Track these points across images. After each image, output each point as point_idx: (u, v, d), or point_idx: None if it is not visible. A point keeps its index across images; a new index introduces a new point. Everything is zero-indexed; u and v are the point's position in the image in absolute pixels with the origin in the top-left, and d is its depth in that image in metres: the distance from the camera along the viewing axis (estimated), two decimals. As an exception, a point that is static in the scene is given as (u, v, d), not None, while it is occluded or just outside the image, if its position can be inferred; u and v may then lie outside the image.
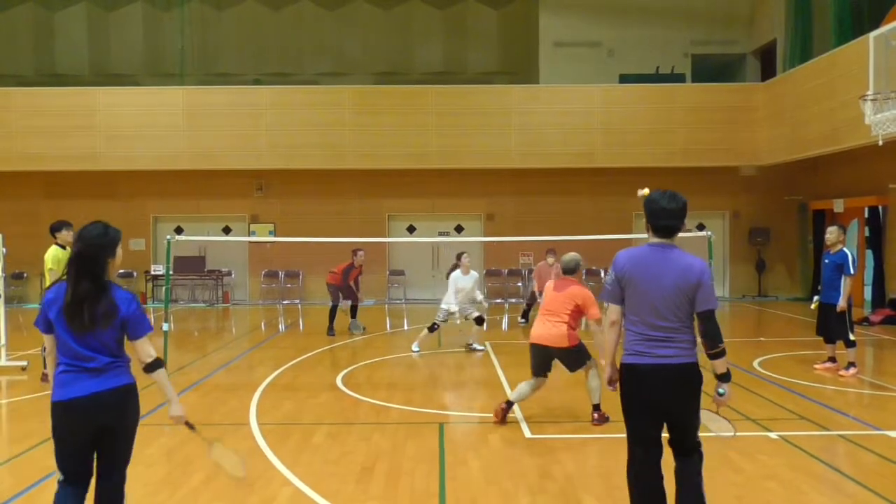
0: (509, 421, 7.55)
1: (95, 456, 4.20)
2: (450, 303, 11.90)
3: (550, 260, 14.14)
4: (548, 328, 7.38)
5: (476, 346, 12.18)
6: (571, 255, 7.62)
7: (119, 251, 4.24)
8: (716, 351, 4.28)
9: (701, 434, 4.47)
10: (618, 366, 4.51)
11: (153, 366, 4.20)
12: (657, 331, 4.27)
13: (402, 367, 11.13)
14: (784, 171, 19.80)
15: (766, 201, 20.41)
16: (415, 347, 12.08)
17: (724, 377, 4.35)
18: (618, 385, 4.50)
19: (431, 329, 12.11)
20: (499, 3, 22.55)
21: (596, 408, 7.50)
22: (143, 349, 4.18)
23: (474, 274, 12.25)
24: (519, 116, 19.21)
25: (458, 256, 12.24)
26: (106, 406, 4.06)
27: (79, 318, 4.01)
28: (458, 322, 12.56)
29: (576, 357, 7.43)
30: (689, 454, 4.37)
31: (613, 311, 4.48)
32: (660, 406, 4.33)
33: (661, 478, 4.37)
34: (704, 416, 4.54)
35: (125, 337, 4.18)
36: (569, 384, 9.76)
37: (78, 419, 4.04)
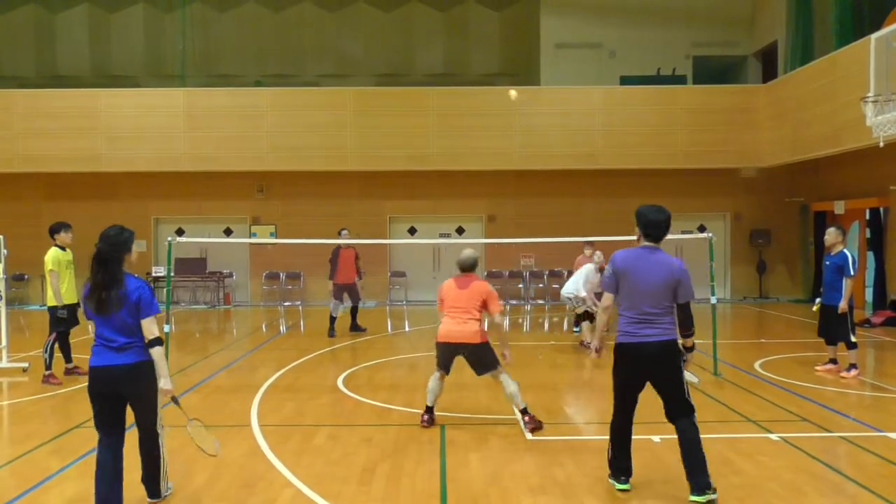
0: (510, 423, 7.56)
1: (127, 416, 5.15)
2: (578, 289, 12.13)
3: (588, 251, 13.83)
4: (458, 325, 7.26)
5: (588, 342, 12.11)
6: (470, 253, 7.59)
7: (134, 248, 5.21)
8: (689, 333, 5.49)
9: None
10: (602, 344, 5.79)
11: (152, 343, 5.03)
12: (645, 315, 5.32)
13: (403, 368, 11.14)
14: (785, 172, 19.81)
15: (767, 203, 20.41)
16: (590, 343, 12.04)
17: (690, 349, 5.57)
18: (602, 354, 5.77)
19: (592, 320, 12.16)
20: (500, 5, 22.58)
21: (524, 412, 7.30)
22: (147, 328, 5.03)
23: (589, 266, 12.40)
24: (520, 118, 19.20)
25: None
26: (119, 377, 4.96)
27: (95, 302, 4.95)
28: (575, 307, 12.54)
29: (485, 355, 7.27)
30: (684, 415, 5.32)
31: (608, 298, 5.54)
32: (646, 375, 5.40)
33: (631, 426, 5.61)
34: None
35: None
36: (570, 386, 9.77)
37: (98, 383, 5.01)
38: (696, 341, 5.61)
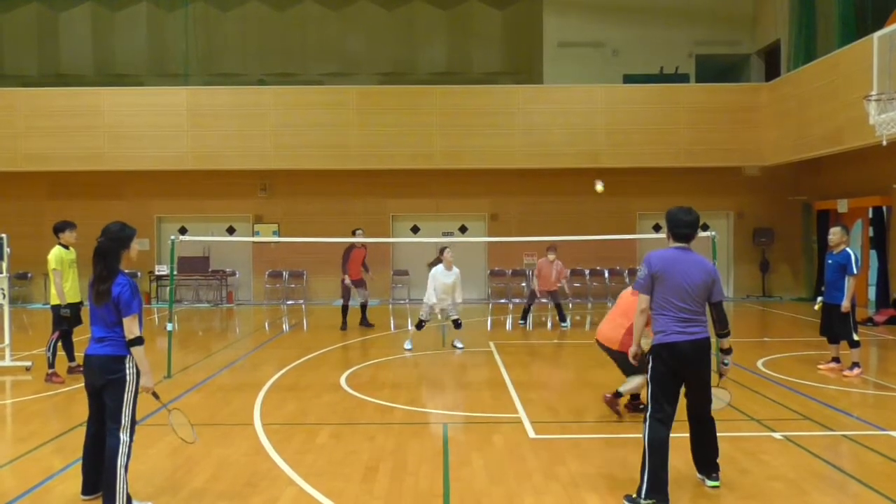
0: (512, 422, 7.56)
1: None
2: (430, 298, 12.03)
3: (551, 257, 14.42)
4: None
5: (457, 343, 12.34)
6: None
7: (134, 245, 5.37)
8: (725, 331, 5.58)
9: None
10: (645, 347, 5.71)
11: (133, 342, 5.12)
12: (685, 313, 5.39)
13: (406, 367, 11.13)
14: (788, 171, 19.79)
15: (769, 201, 20.39)
16: (407, 345, 12.23)
17: (728, 351, 5.72)
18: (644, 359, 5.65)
19: (419, 327, 12.36)
20: (503, 4, 22.54)
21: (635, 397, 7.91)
22: (127, 326, 5.11)
23: (456, 271, 12.14)
24: (523, 117, 19.20)
25: (441, 251, 12.20)
26: (93, 367, 5.17)
27: (95, 293, 5.13)
28: (440, 317, 12.68)
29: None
30: (705, 421, 5.53)
31: (644, 300, 5.54)
32: (685, 373, 5.40)
33: (669, 429, 5.35)
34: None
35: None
36: (571, 385, 9.76)
37: (85, 371, 5.28)
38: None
